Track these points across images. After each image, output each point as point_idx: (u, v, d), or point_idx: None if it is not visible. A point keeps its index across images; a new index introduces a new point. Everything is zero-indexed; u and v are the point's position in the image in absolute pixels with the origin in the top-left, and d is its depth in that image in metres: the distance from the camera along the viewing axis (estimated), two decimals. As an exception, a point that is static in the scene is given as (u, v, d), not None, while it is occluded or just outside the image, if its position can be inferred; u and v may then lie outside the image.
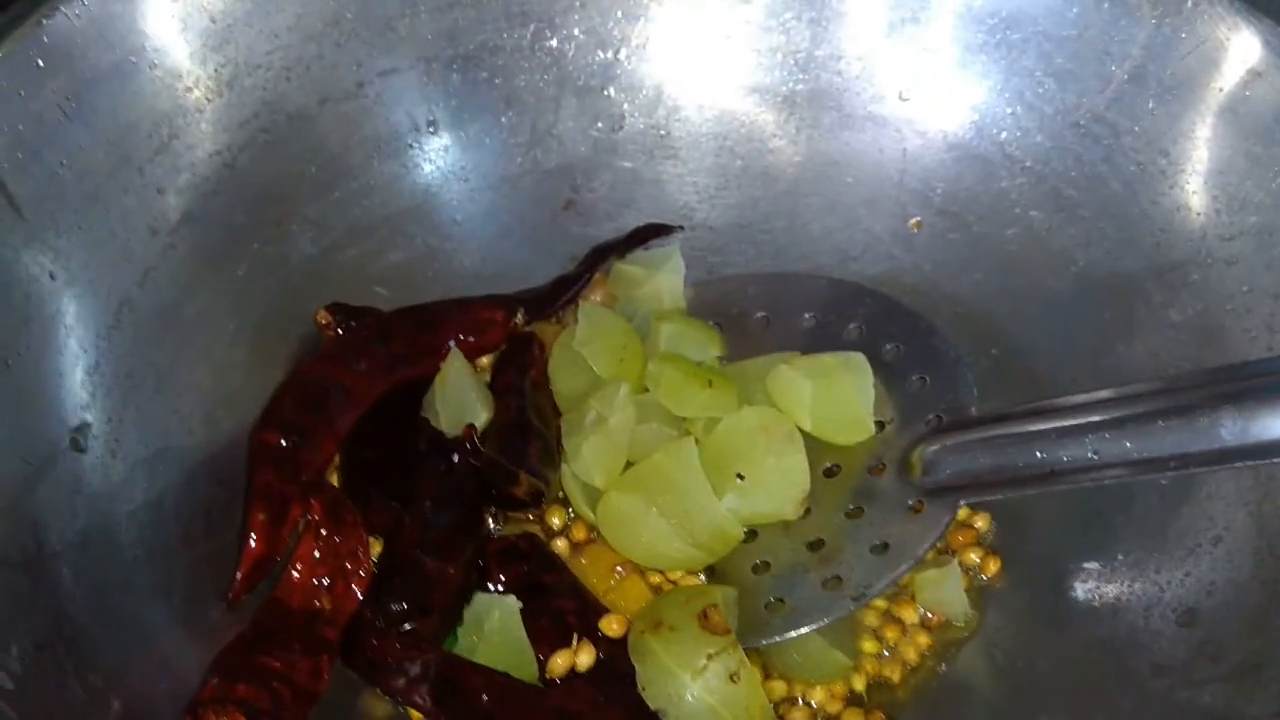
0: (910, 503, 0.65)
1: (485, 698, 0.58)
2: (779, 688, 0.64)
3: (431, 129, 0.77)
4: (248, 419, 0.67)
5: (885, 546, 0.64)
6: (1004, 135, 0.75)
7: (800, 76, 0.78)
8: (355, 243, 0.75)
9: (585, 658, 0.61)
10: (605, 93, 0.79)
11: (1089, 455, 0.57)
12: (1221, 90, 0.66)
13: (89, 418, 0.61)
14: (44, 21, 0.61)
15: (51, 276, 0.61)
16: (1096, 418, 0.58)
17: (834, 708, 0.63)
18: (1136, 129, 0.70)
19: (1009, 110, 0.74)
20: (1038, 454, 0.60)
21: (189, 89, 0.68)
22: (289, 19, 0.71)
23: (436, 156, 0.78)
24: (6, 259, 0.59)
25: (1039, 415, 0.61)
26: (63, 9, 0.62)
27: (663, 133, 0.80)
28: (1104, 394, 0.59)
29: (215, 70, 0.69)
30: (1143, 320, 0.69)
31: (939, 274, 0.76)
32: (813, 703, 0.63)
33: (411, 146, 0.77)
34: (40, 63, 0.61)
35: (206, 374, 0.68)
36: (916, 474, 0.65)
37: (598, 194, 0.80)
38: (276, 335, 0.72)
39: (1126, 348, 0.68)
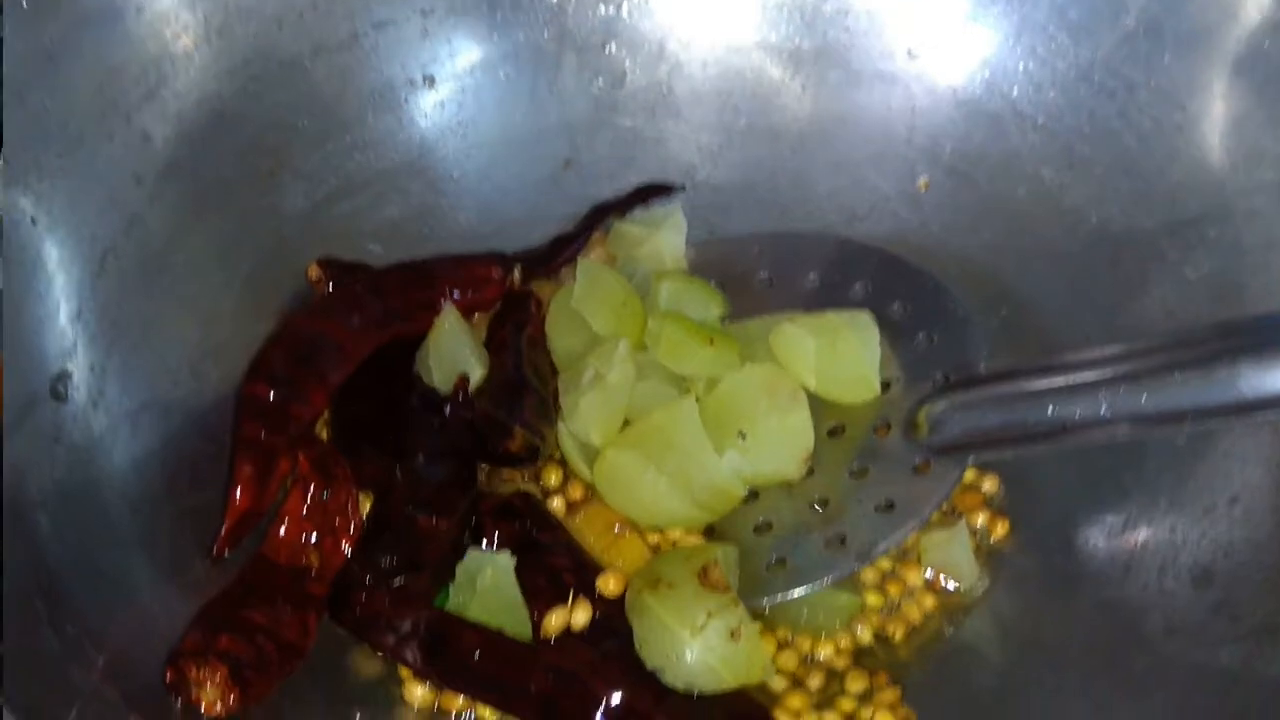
0: (916, 462, 0.64)
1: (477, 655, 0.57)
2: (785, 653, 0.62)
3: (428, 83, 0.76)
4: (236, 372, 0.66)
5: (890, 506, 0.63)
6: (1015, 91, 0.73)
7: (806, 32, 0.77)
8: (349, 197, 0.74)
9: (581, 616, 0.59)
10: (606, 49, 0.78)
11: (1102, 411, 0.55)
12: (1239, 41, 0.65)
13: (70, 367, 0.60)
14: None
15: (33, 221, 0.60)
16: (1110, 372, 0.56)
17: (841, 663, 0.61)
18: (1151, 83, 0.68)
19: (1020, 66, 0.73)
20: (1049, 409, 0.57)
21: (177, 35, 0.67)
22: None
23: (433, 112, 0.76)
24: (-13, 199, 0.58)
25: (1049, 371, 0.59)
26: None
27: (665, 90, 0.79)
28: (1116, 348, 0.57)
29: (205, 16, 0.68)
30: (1158, 278, 0.67)
31: (947, 233, 0.75)
32: (820, 655, 0.61)
33: (407, 101, 0.75)
34: (25, 3, 0.60)
35: (194, 325, 0.66)
36: (923, 433, 0.63)
37: (598, 152, 0.79)
38: (267, 288, 0.70)
39: (1141, 306, 0.67)
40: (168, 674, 0.54)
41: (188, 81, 0.67)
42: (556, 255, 0.75)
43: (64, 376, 0.59)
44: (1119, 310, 0.68)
